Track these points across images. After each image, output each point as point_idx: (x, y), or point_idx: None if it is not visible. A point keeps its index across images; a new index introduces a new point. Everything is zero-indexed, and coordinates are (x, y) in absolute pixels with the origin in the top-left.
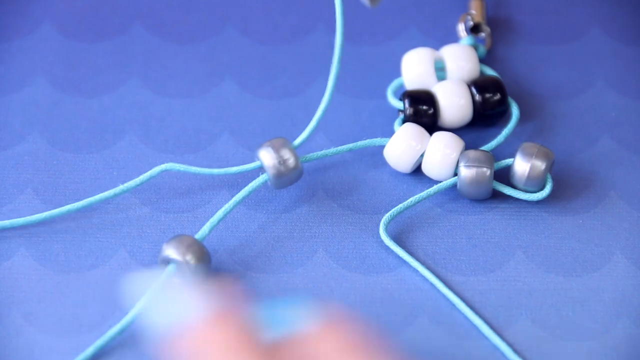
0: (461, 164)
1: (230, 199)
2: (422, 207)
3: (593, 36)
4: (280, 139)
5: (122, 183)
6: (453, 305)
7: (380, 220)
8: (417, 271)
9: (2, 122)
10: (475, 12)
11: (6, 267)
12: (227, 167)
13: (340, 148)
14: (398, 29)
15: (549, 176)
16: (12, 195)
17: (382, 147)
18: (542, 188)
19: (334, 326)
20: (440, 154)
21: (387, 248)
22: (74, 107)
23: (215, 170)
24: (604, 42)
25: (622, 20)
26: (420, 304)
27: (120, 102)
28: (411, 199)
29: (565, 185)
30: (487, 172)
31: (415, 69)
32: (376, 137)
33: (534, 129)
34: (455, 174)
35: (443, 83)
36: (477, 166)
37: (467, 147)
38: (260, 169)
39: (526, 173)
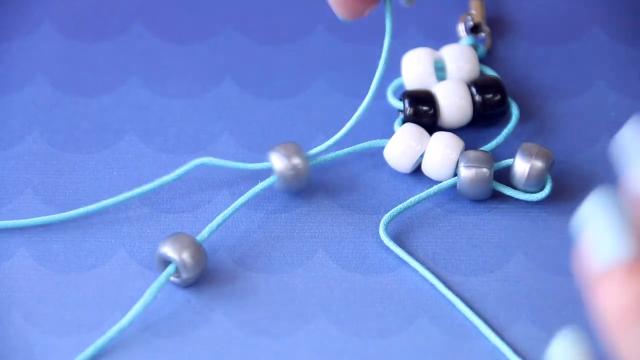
0: (461, 164)
1: (230, 199)
2: (422, 207)
3: (593, 36)
4: (293, 145)
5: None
6: (453, 305)
7: (380, 220)
8: (417, 271)
9: (1, 122)
10: (475, 12)
11: (6, 267)
12: (228, 167)
13: (340, 152)
14: (398, 29)
15: (548, 176)
16: (12, 195)
17: (382, 147)
18: (542, 188)
19: None
20: (440, 154)
21: (387, 248)
22: (74, 107)
23: (250, 165)
24: (603, 42)
25: (622, 21)
26: (420, 304)
27: (120, 102)
28: (411, 199)
29: (565, 185)
30: (487, 172)
31: (415, 69)
32: (376, 137)
33: (534, 129)
34: (455, 174)
35: (443, 83)
36: (477, 166)
37: (467, 147)
38: (272, 171)
39: (526, 173)
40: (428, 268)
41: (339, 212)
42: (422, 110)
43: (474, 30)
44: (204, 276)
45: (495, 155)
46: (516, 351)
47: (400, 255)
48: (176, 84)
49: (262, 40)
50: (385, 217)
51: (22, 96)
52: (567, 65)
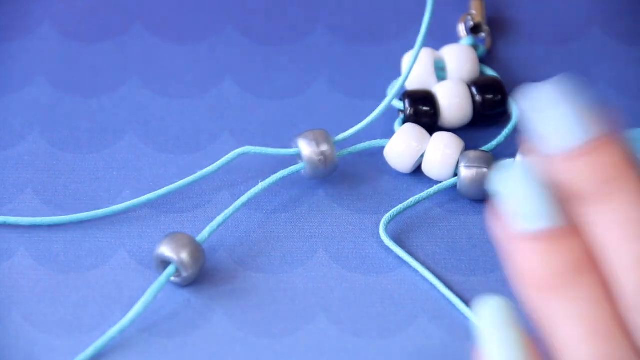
0: (461, 165)
1: (230, 199)
2: (422, 207)
3: (593, 36)
4: (322, 131)
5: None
6: (453, 305)
7: (381, 220)
8: (417, 271)
9: (2, 122)
10: (475, 12)
11: (6, 267)
12: (229, 167)
13: (341, 152)
14: (398, 29)
15: None
16: (12, 195)
17: (382, 147)
18: None
19: None
20: (440, 154)
21: (387, 248)
22: (74, 107)
23: (290, 150)
24: (603, 42)
25: (622, 21)
26: (420, 304)
27: (120, 102)
28: (411, 199)
29: None
30: (487, 172)
31: (415, 69)
32: (376, 137)
33: None
34: (455, 174)
35: (443, 83)
36: (477, 166)
37: (467, 147)
38: (298, 157)
39: None
40: (428, 268)
41: (339, 212)
42: (423, 110)
43: (474, 30)
44: (203, 276)
45: (495, 155)
46: None
47: (401, 255)
48: (176, 84)
49: (262, 40)
50: (386, 217)
51: (22, 96)
52: (567, 65)
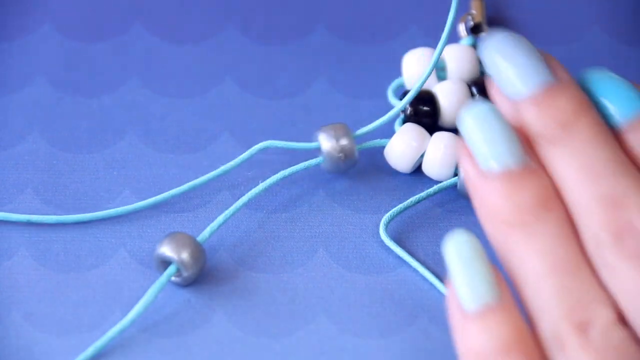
0: None
1: (231, 199)
2: (423, 207)
3: (593, 36)
4: (342, 125)
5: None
6: None
7: (381, 220)
8: (417, 271)
9: (2, 121)
10: (475, 13)
11: (6, 267)
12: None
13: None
14: (398, 29)
15: None
16: (12, 195)
17: (383, 147)
18: None
19: None
20: (441, 154)
21: (388, 248)
22: (74, 107)
23: (312, 144)
24: (604, 42)
25: (622, 21)
26: (420, 304)
27: (120, 102)
28: (411, 198)
29: None
30: None
31: (415, 69)
32: (376, 137)
33: None
34: (456, 174)
35: (443, 83)
36: None
37: None
38: (319, 151)
39: None
40: (428, 268)
41: (339, 212)
42: (423, 110)
43: (475, 30)
44: (203, 276)
45: None
46: None
47: (401, 255)
48: (176, 83)
49: (262, 40)
50: (386, 217)
51: (23, 96)
52: (567, 66)
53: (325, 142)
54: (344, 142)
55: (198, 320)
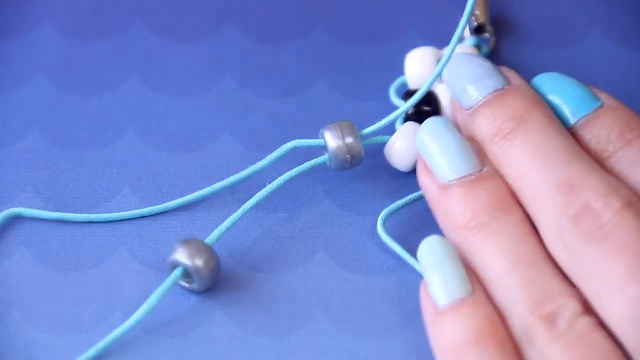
0: None
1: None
2: (422, 208)
3: (594, 39)
4: (348, 123)
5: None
6: None
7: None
8: (417, 272)
9: (2, 120)
10: (479, 13)
11: (6, 266)
12: (228, 166)
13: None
14: (400, 30)
15: None
16: (12, 194)
17: (384, 144)
18: None
19: None
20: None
21: (387, 249)
22: (74, 106)
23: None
24: (604, 45)
25: (623, 24)
26: (419, 305)
27: (120, 100)
28: (410, 196)
29: None
30: None
31: (418, 67)
32: (380, 133)
33: None
34: None
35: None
36: None
37: None
38: (324, 149)
39: None
40: None
41: (339, 212)
42: (424, 109)
43: (478, 30)
44: None
45: None
46: None
47: (401, 255)
48: (176, 82)
49: (262, 40)
50: (383, 213)
51: (22, 94)
52: (568, 68)
53: (331, 140)
54: (349, 140)
55: (198, 320)
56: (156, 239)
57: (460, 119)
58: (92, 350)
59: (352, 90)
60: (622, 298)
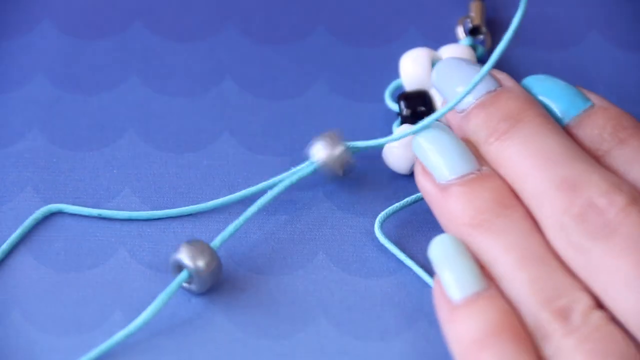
0: None
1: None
2: (422, 210)
3: (592, 41)
4: (333, 134)
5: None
6: None
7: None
8: (416, 274)
9: (2, 119)
10: (474, 15)
11: (6, 266)
12: (228, 167)
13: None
14: (400, 31)
15: None
16: (12, 194)
17: (381, 148)
18: None
19: None
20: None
21: (387, 251)
22: (74, 105)
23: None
24: (603, 47)
25: (621, 26)
26: (420, 307)
27: (120, 100)
28: (408, 198)
29: None
30: None
31: (413, 69)
32: (378, 136)
33: None
34: None
35: None
36: None
37: None
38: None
39: None
40: (428, 271)
41: (339, 214)
42: (420, 110)
43: (473, 32)
44: None
45: None
46: None
47: (400, 257)
48: (176, 82)
49: (262, 40)
50: (381, 215)
51: (22, 94)
52: (566, 70)
53: (320, 151)
54: (338, 151)
55: (198, 321)
56: (156, 239)
57: (453, 122)
58: (94, 352)
59: (352, 91)
60: (634, 292)
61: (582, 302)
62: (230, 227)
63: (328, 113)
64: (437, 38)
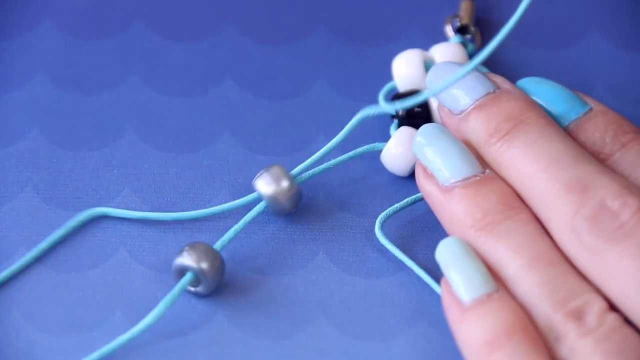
0: None
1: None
2: (421, 211)
3: (592, 41)
4: (278, 167)
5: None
6: None
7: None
8: (417, 275)
9: (2, 119)
10: (463, 14)
11: (6, 266)
12: (228, 167)
13: (340, 157)
14: (400, 31)
15: None
16: (13, 194)
17: (380, 151)
18: None
19: None
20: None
21: (387, 251)
22: (74, 105)
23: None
24: (602, 47)
25: (621, 26)
26: (420, 308)
27: (120, 100)
28: (407, 199)
29: None
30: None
31: (405, 71)
32: (375, 140)
33: None
34: None
35: None
36: None
37: None
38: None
39: None
40: (428, 272)
41: (339, 215)
42: (415, 111)
43: (461, 31)
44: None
45: None
46: None
47: (400, 258)
48: (177, 82)
49: (263, 40)
50: (381, 216)
51: (23, 94)
52: (566, 70)
53: (266, 187)
54: (284, 184)
55: (198, 321)
56: (156, 240)
57: (450, 124)
58: (96, 354)
59: (352, 92)
60: None
61: (596, 304)
62: (231, 232)
63: (328, 113)
64: (437, 38)
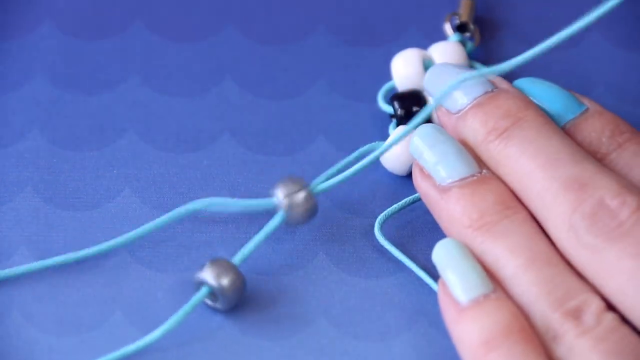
0: None
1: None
2: (421, 211)
3: (592, 42)
4: (298, 179)
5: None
6: None
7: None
8: (416, 275)
9: (2, 119)
10: (462, 12)
11: (6, 266)
12: (228, 167)
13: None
14: (400, 31)
15: None
16: (12, 194)
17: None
18: None
19: None
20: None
21: (387, 252)
22: (74, 105)
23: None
24: (603, 47)
25: (621, 26)
26: (420, 308)
27: (120, 100)
28: (406, 199)
29: None
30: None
31: (404, 70)
32: (374, 140)
33: None
34: None
35: None
36: None
37: None
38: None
39: None
40: (428, 272)
41: (339, 215)
42: (414, 110)
43: (460, 29)
44: None
45: None
46: None
47: (400, 258)
48: (177, 82)
49: (263, 40)
50: (380, 217)
51: (23, 94)
52: (566, 71)
53: (283, 199)
54: (300, 197)
55: (198, 321)
56: (156, 240)
57: (448, 124)
58: None
59: (352, 92)
60: None
61: (594, 304)
62: (251, 244)
63: (328, 113)
64: (437, 38)
